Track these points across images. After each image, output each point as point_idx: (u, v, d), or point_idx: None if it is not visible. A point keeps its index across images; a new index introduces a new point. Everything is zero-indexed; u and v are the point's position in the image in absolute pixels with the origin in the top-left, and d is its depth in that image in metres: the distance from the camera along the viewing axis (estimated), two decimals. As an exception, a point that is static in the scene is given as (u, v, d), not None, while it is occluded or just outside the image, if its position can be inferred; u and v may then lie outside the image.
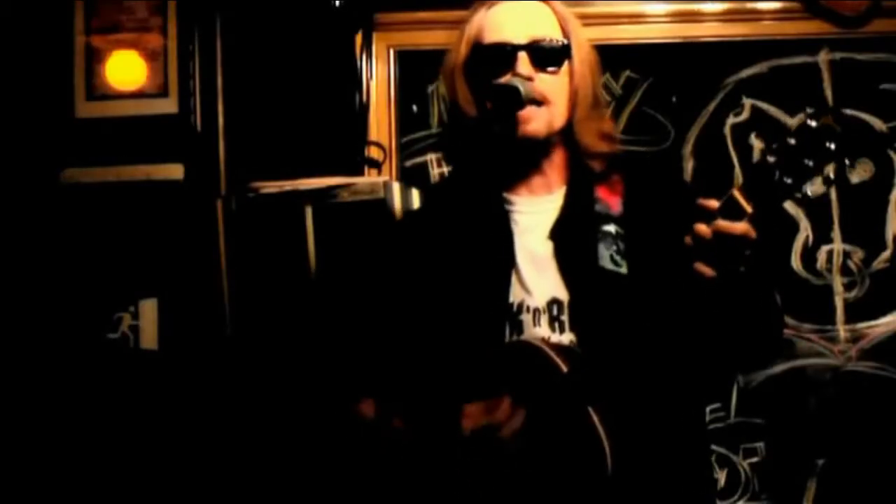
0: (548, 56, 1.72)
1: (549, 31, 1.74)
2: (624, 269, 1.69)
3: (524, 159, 1.77)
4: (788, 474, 2.89)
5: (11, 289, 2.78)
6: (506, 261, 1.74)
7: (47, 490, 2.69)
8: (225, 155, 2.89)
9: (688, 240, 1.46)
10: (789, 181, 1.40)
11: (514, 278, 1.73)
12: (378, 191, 2.59)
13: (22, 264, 2.79)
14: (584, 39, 1.78)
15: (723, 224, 1.42)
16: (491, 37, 1.74)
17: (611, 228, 1.71)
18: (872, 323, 2.93)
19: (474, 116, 1.75)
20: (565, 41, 1.75)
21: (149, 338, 2.83)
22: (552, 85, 1.72)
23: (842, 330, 2.93)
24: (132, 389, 2.75)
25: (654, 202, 1.74)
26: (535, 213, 1.77)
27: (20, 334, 2.77)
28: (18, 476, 2.69)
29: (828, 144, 1.38)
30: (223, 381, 2.65)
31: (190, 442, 2.69)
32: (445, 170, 3.02)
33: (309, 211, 2.60)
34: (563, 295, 1.70)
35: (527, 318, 1.71)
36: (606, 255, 1.69)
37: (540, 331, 1.70)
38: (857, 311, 2.93)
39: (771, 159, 1.41)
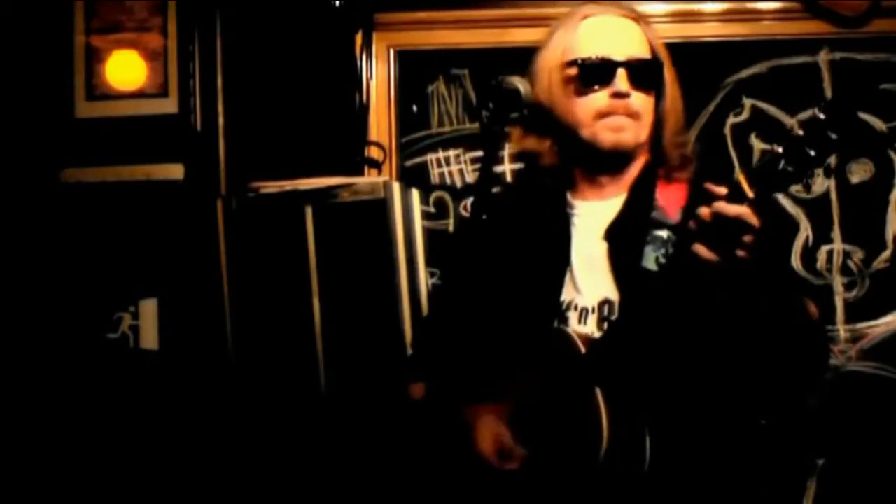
0: (645, 75, 1.80)
1: (643, 51, 1.82)
2: (664, 269, 1.72)
3: (605, 167, 1.83)
4: (788, 474, 2.89)
5: (11, 288, 2.78)
6: (561, 261, 1.81)
7: (47, 490, 2.69)
8: (225, 155, 2.89)
9: (691, 224, 1.50)
10: (791, 169, 1.43)
11: (567, 278, 1.80)
12: (378, 191, 2.59)
13: (22, 264, 2.79)
14: (668, 59, 1.85)
15: (720, 205, 1.46)
16: (590, 50, 1.79)
17: (663, 233, 1.75)
18: (872, 323, 2.93)
19: (565, 122, 1.81)
20: (660, 62, 1.83)
21: (149, 338, 2.83)
22: (645, 102, 1.80)
23: (842, 330, 2.93)
24: (132, 389, 2.75)
25: None
26: (594, 215, 1.83)
27: (20, 334, 2.77)
28: (18, 476, 2.69)
29: (830, 134, 1.41)
30: (223, 381, 2.65)
31: (190, 442, 2.69)
32: (449, 169, 3.03)
33: (309, 211, 2.60)
34: (614, 296, 1.75)
35: (573, 315, 1.78)
36: (651, 257, 1.73)
37: (584, 328, 1.76)
38: (857, 311, 2.93)
39: (778, 148, 1.45)
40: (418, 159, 3.04)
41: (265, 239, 2.64)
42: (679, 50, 2.97)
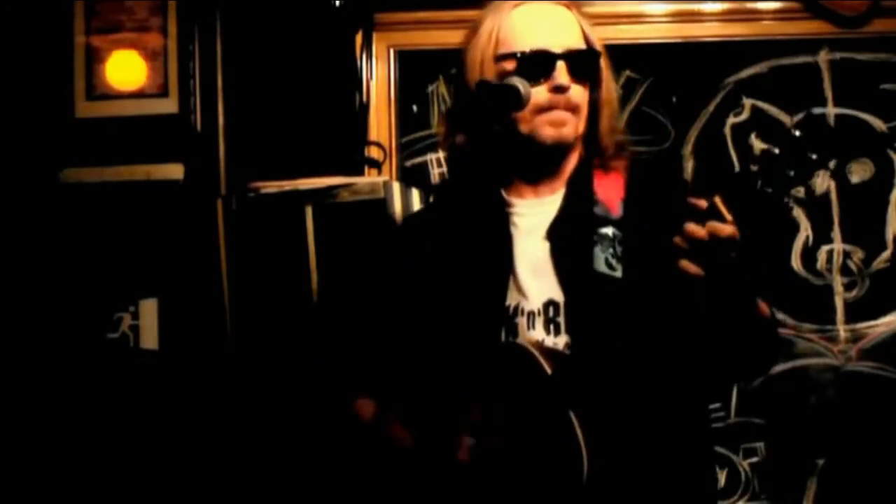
0: (584, 66, 1.72)
1: (578, 40, 1.74)
2: (619, 273, 1.68)
3: (543, 163, 1.77)
4: (788, 474, 2.89)
5: (11, 288, 2.78)
6: (503, 264, 1.73)
7: (47, 490, 2.69)
8: (225, 155, 2.89)
9: (677, 239, 1.45)
10: (770, 191, 1.41)
11: (511, 281, 1.73)
12: (378, 191, 2.59)
13: (22, 264, 2.79)
14: (601, 45, 1.78)
15: (715, 225, 1.42)
16: (526, 42, 1.71)
17: (608, 231, 1.71)
18: (872, 323, 2.93)
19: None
20: (597, 51, 1.75)
21: (149, 338, 2.83)
22: (583, 94, 1.73)
23: (842, 330, 2.93)
24: (132, 389, 2.75)
25: (654, 205, 1.73)
26: (535, 214, 1.76)
27: (20, 334, 2.77)
28: (18, 476, 2.69)
29: (810, 155, 1.39)
30: (223, 381, 2.66)
31: (190, 442, 2.69)
32: (446, 169, 3.03)
33: (309, 211, 2.60)
34: (559, 297, 1.69)
35: (521, 321, 1.71)
36: (601, 258, 1.68)
37: (534, 334, 1.69)
38: (857, 311, 2.93)
39: (754, 168, 1.41)
40: (418, 159, 3.04)
41: (265, 239, 2.64)
42: (679, 50, 3.05)
